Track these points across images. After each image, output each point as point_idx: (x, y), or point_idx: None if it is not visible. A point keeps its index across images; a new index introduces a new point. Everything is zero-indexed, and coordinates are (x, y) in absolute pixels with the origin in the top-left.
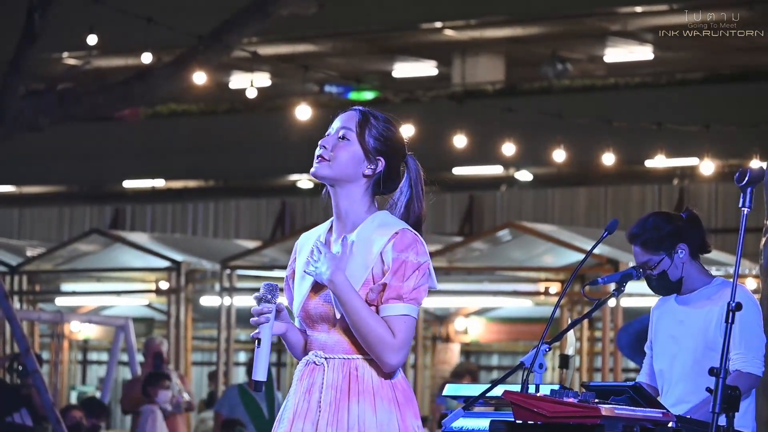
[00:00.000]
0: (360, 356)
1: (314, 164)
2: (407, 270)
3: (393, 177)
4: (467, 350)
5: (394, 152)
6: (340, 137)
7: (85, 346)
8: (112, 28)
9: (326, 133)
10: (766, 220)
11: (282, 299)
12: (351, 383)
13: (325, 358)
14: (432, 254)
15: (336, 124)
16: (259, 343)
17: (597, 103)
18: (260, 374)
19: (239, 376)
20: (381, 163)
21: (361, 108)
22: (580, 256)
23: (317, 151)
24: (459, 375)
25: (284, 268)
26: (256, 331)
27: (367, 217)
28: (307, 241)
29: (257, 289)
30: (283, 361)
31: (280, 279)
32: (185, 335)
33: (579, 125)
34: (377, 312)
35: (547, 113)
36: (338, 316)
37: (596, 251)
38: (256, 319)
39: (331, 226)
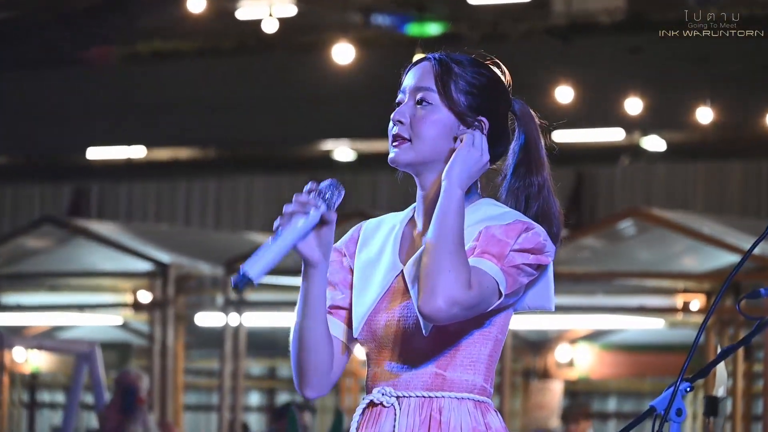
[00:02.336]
0: (446, 394)
1: (391, 149)
2: (523, 241)
3: (502, 139)
4: (573, 390)
5: (496, 103)
6: (417, 103)
7: (33, 382)
8: None
9: (396, 99)
10: None
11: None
12: (432, 431)
13: (397, 397)
14: None
15: (408, 82)
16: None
17: (758, 42)
18: (254, 268)
19: (251, 424)
20: (484, 125)
21: (435, 55)
22: (733, 258)
23: (391, 129)
24: (569, 418)
25: None
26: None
27: (467, 207)
28: (375, 231)
29: (274, 304)
30: (315, 404)
31: None
32: (175, 367)
33: (732, 74)
34: None
35: (686, 57)
36: (425, 333)
37: (756, 251)
38: (292, 207)
39: (413, 216)
